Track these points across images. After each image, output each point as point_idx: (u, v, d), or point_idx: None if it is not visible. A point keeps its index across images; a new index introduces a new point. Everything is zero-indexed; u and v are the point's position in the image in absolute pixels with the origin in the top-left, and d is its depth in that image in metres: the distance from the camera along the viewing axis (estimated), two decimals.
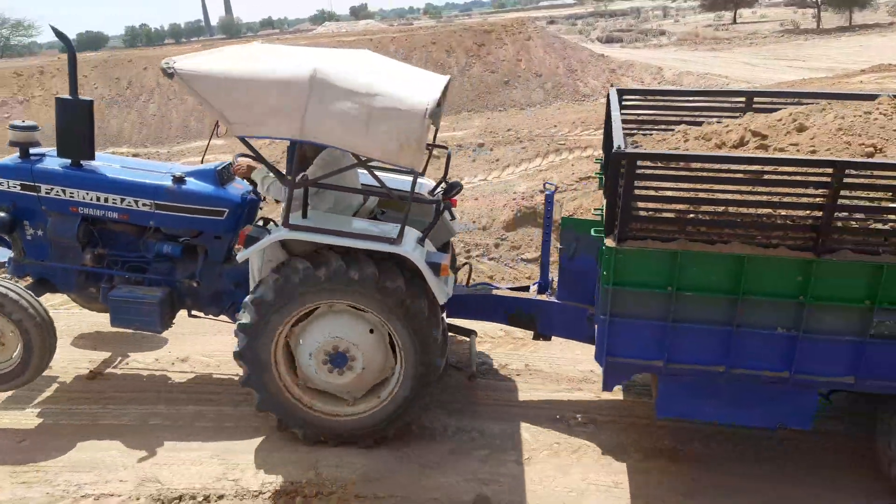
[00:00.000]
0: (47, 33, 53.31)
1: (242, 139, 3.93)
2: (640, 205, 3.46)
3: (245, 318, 3.98)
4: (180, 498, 3.76)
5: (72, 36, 4.96)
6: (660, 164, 3.53)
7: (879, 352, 3.37)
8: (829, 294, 3.31)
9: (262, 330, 3.99)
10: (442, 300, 4.01)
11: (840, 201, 3.17)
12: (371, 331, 4.07)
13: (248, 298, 4.01)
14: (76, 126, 4.62)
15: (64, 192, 4.73)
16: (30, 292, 4.53)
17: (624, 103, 4.65)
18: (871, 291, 3.26)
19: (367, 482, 3.87)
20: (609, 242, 3.44)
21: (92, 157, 4.77)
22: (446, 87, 4.30)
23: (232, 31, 64.45)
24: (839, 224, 3.23)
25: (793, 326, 3.41)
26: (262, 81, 3.77)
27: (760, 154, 3.59)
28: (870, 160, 3.35)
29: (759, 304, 3.41)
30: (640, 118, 4.73)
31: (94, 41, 60.75)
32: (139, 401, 4.70)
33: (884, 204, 3.24)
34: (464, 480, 3.89)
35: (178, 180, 4.71)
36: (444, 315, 4.44)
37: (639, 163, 3.34)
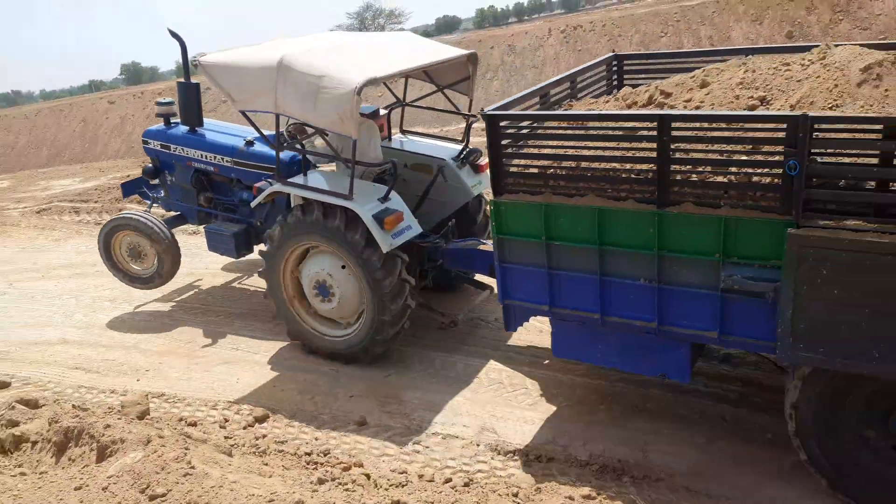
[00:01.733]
0: (413, 20, 60.23)
1: (242, 112, 5.17)
2: (513, 161, 3.93)
3: (264, 247, 5.34)
4: (514, 452, 4.02)
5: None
6: (524, 124, 4.06)
7: (734, 308, 3.40)
8: (680, 246, 3.45)
9: (273, 257, 5.28)
10: (385, 249, 4.74)
11: (678, 154, 3.34)
12: (343, 266, 5.02)
13: (266, 232, 5.33)
14: (189, 102, 6.36)
15: (183, 150, 6.54)
16: (161, 221, 6.41)
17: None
18: (717, 245, 3.32)
19: (698, 476, 3.69)
20: (491, 196, 3.95)
21: (200, 125, 6.50)
22: (445, 62, 5.37)
23: (572, 5, 65.58)
24: (678, 177, 3.34)
25: (652, 278, 3.58)
26: (251, 68, 4.98)
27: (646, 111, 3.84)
28: (693, 112, 3.60)
29: (620, 254, 3.66)
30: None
31: (449, 25, 67.45)
32: (479, 354, 5.14)
33: (723, 157, 3.26)
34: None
35: (249, 143, 6.10)
36: (439, 265, 5.44)
37: (500, 123, 3.78)
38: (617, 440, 4.02)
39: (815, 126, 3.00)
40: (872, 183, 3.08)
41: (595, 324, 3.90)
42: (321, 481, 3.48)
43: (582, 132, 3.74)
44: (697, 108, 3.68)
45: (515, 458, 3.98)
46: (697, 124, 3.42)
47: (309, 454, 4.08)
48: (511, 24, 54.81)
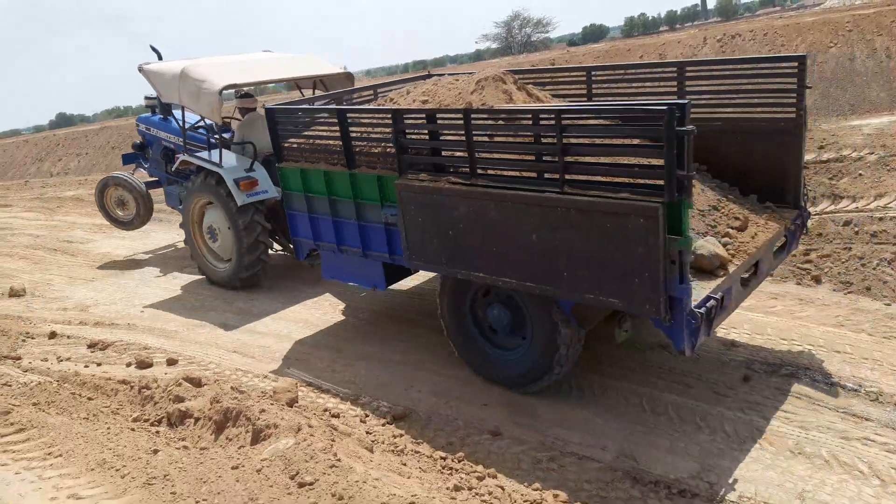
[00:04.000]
0: (560, 29, 59.80)
1: (167, 104, 8.33)
2: (285, 141, 5.75)
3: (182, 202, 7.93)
4: (655, 483, 3.84)
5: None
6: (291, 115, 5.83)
7: (392, 235, 5.13)
8: (363, 196, 5.24)
9: (185, 210, 7.78)
10: (239, 202, 6.92)
11: (352, 135, 5.13)
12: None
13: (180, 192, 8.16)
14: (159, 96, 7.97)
15: (156, 132, 9.08)
16: (140, 181, 9.22)
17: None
18: (377, 194, 5.09)
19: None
20: (278, 165, 5.78)
21: (169, 114, 8.76)
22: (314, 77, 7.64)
23: (729, 13, 62.29)
24: (356, 150, 5.15)
25: (357, 218, 5.32)
26: (168, 74, 7.19)
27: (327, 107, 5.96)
28: (357, 107, 6.01)
29: (339, 202, 5.43)
30: None
31: (595, 33, 66.23)
32: (617, 376, 4.97)
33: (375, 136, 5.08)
34: None
35: (192, 129, 7.89)
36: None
37: (275, 115, 5.63)
38: (771, 484, 3.72)
39: (404, 116, 4.72)
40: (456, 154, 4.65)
41: (338, 252, 5.67)
42: (457, 488, 3.50)
43: (309, 120, 5.76)
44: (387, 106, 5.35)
45: (656, 489, 3.79)
46: (367, 116, 5.28)
47: (444, 458, 4.12)
48: (662, 33, 52.89)
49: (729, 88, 5.31)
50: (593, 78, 5.87)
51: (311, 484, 3.12)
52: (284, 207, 5.96)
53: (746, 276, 4.52)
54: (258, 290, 7.53)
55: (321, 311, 6.77)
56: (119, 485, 3.44)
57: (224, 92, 6.87)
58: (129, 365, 5.83)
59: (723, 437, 4.19)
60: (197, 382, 4.99)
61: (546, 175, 4.08)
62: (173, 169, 8.16)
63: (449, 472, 3.91)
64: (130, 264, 9.19)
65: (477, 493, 3.49)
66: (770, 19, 23.31)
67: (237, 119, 8.24)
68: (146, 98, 9.17)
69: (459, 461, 4.12)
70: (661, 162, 3.58)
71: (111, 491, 3.41)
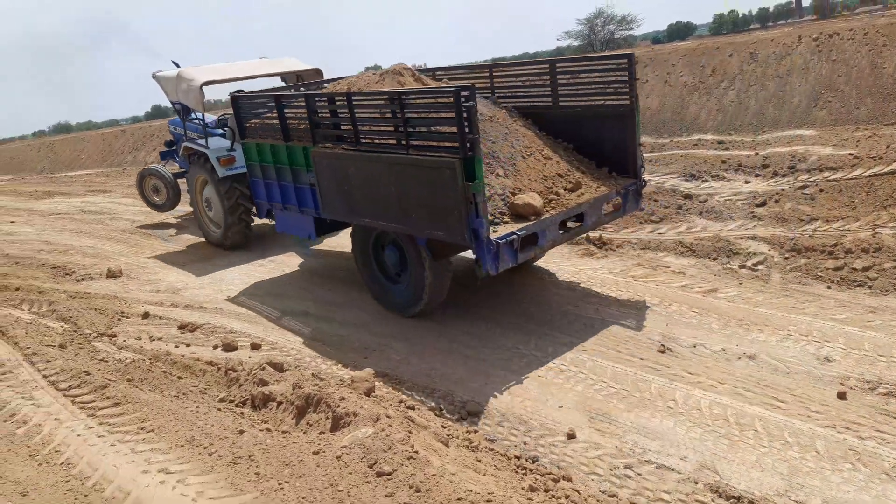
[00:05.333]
0: (644, 26, 58.14)
1: (172, 103, 9.93)
2: (246, 122, 7.49)
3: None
4: (738, 498, 3.69)
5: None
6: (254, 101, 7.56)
7: (315, 194, 6.63)
8: (294, 163, 6.83)
9: (190, 188, 9.76)
10: (220, 175, 8.77)
11: (287, 114, 6.79)
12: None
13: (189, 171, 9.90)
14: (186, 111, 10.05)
15: (179, 130, 10.74)
16: (169, 172, 10.92)
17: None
18: (304, 161, 6.67)
19: None
20: (242, 141, 7.56)
21: (189, 115, 10.12)
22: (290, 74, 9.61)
23: (825, 11, 59.01)
24: (289, 126, 6.78)
25: (294, 181, 6.95)
26: (171, 77, 9.33)
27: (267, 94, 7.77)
28: (291, 94, 7.31)
29: (281, 169, 7.07)
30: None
31: (682, 31, 64.16)
32: (702, 385, 4.81)
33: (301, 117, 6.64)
34: None
35: (192, 121, 9.95)
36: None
37: (238, 102, 7.50)
38: None
39: (316, 100, 6.38)
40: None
41: (283, 209, 7.31)
42: (532, 489, 3.47)
43: (260, 104, 7.40)
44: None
45: None
46: (293, 100, 6.80)
47: (518, 458, 4.11)
48: (753, 31, 50.69)
49: (587, 80, 6.56)
50: (494, 74, 7.26)
51: (388, 474, 3.17)
52: (248, 176, 7.75)
53: (569, 224, 5.98)
54: (337, 280, 7.70)
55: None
56: (206, 462, 3.59)
57: (204, 87, 8.71)
58: (215, 347, 6.07)
59: (813, 456, 3.99)
60: (279, 367, 5.14)
61: (401, 141, 5.50)
62: (179, 155, 10.43)
63: (524, 472, 3.88)
64: (218, 251, 9.57)
65: (553, 496, 3.45)
66: (871, 18, 21.98)
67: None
68: (173, 103, 10.42)
69: (533, 461, 4.09)
70: (454, 129, 4.98)
71: (199, 468, 3.56)
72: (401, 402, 4.82)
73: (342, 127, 6.15)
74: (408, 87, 6.42)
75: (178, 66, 9.65)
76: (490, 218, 5.31)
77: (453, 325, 6.22)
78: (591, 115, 6.42)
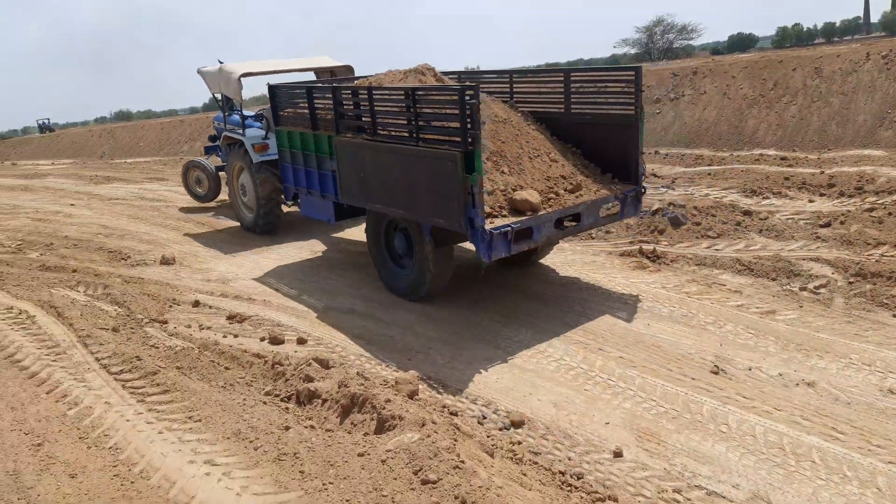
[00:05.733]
0: (704, 36, 56.70)
1: (213, 95, 10.85)
2: (280, 111, 8.14)
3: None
4: None
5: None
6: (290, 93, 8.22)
7: (332, 178, 7.36)
8: (320, 150, 7.47)
9: (228, 174, 10.48)
10: (254, 160, 9.48)
11: (316, 105, 7.39)
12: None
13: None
14: (225, 98, 10.75)
15: (221, 125, 11.19)
16: (212, 165, 11.77)
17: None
18: (328, 148, 7.28)
19: None
20: (276, 128, 8.21)
21: (231, 110, 10.92)
22: (321, 69, 10.41)
23: (895, 27, 56.79)
24: (318, 117, 7.43)
25: (318, 167, 7.59)
26: (213, 72, 10.34)
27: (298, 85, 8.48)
28: (322, 86, 7.75)
29: (309, 155, 7.71)
30: None
31: (743, 42, 62.64)
32: (757, 410, 4.64)
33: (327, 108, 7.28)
34: None
35: (242, 117, 10.02)
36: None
37: (275, 91, 8.10)
38: None
39: (342, 93, 6.94)
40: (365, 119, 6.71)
41: (308, 194, 7.96)
42: None
43: (294, 94, 7.99)
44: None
45: None
46: (320, 93, 7.39)
47: (562, 473, 4.01)
48: (818, 45, 49.12)
49: (597, 90, 7.03)
50: (514, 80, 7.69)
51: (434, 482, 3.12)
52: (280, 161, 8.32)
53: (566, 223, 6.27)
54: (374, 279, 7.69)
55: (443, 306, 6.81)
56: (252, 457, 3.60)
57: (242, 78, 9.67)
58: (262, 339, 6.12)
59: (874, 493, 3.79)
60: (325, 364, 5.15)
61: (412, 134, 6.01)
62: (221, 145, 11.39)
63: (568, 489, 3.79)
64: (269, 242, 9.69)
65: None
66: None
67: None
68: (214, 97, 11.35)
69: (578, 478, 3.99)
70: (458, 125, 5.44)
71: (244, 462, 3.57)
72: (444, 407, 4.77)
73: (363, 118, 6.70)
74: (427, 83, 7.07)
75: (221, 63, 10.39)
76: (490, 210, 5.83)
77: (498, 332, 6.15)
78: (599, 123, 6.84)
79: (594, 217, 6.38)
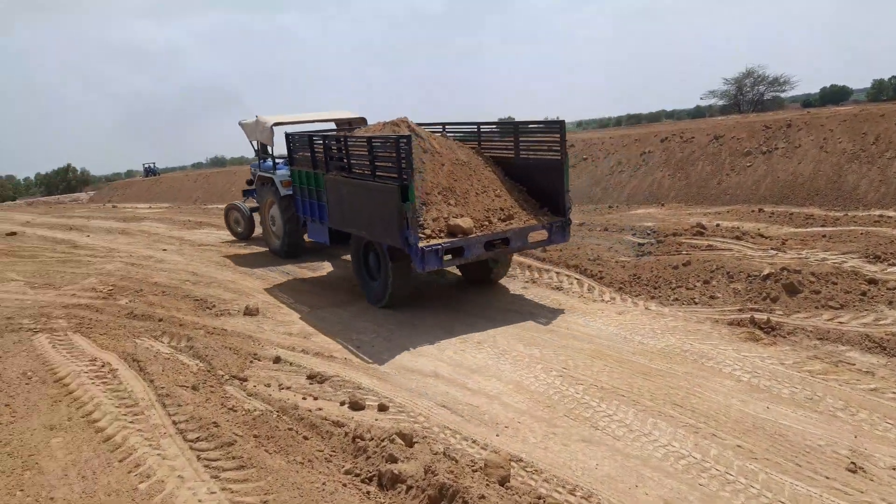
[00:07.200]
0: (796, 88, 54.64)
1: (251, 142, 13.48)
2: (294, 154, 10.26)
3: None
4: None
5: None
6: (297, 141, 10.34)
7: (326, 209, 9.25)
8: (317, 186, 9.47)
9: (260, 207, 13.10)
10: (282, 193, 11.62)
11: (316, 150, 9.44)
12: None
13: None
14: (262, 146, 13.27)
15: (257, 170, 13.39)
16: (247, 207, 14.45)
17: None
18: (321, 185, 9.30)
19: None
20: (290, 168, 10.42)
21: (268, 158, 12.97)
22: (342, 122, 12.95)
23: None
24: (317, 158, 9.46)
25: (318, 199, 9.55)
26: (251, 124, 12.93)
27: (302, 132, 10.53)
28: (317, 135, 9.76)
29: (312, 189, 9.67)
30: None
31: (836, 95, 60.06)
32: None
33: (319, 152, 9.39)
34: None
35: (273, 160, 12.49)
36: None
37: (289, 139, 10.23)
38: None
39: (328, 141, 9.19)
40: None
41: (311, 221, 9.96)
42: None
43: (302, 141, 9.95)
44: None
45: None
46: (317, 140, 9.50)
47: None
48: None
49: (538, 139, 8.76)
50: (482, 129, 9.53)
51: None
52: (293, 194, 10.56)
53: (497, 244, 7.77)
54: (471, 343, 7.29)
55: (534, 375, 6.33)
56: None
57: (275, 126, 12.09)
58: (342, 404, 5.81)
59: None
60: (409, 441, 4.75)
61: (371, 171, 7.83)
62: (254, 183, 13.51)
63: None
64: (355, 299, 9.50)
65: None
66: None
67: None
68: (252, 144, 13.48)
69: None
70: (395, 165, 7.21)
71: None
72: (539, 498, 4.26)
73: (343, 160, 8.63)
74: (399, 133, 8.39)
75: (257, 116, 12.62)
76: (430, 234, 7.44)
77: (595, 408, 5.60)
78: (538, 166, 8.47)
79: (522, 241, 7.82)
